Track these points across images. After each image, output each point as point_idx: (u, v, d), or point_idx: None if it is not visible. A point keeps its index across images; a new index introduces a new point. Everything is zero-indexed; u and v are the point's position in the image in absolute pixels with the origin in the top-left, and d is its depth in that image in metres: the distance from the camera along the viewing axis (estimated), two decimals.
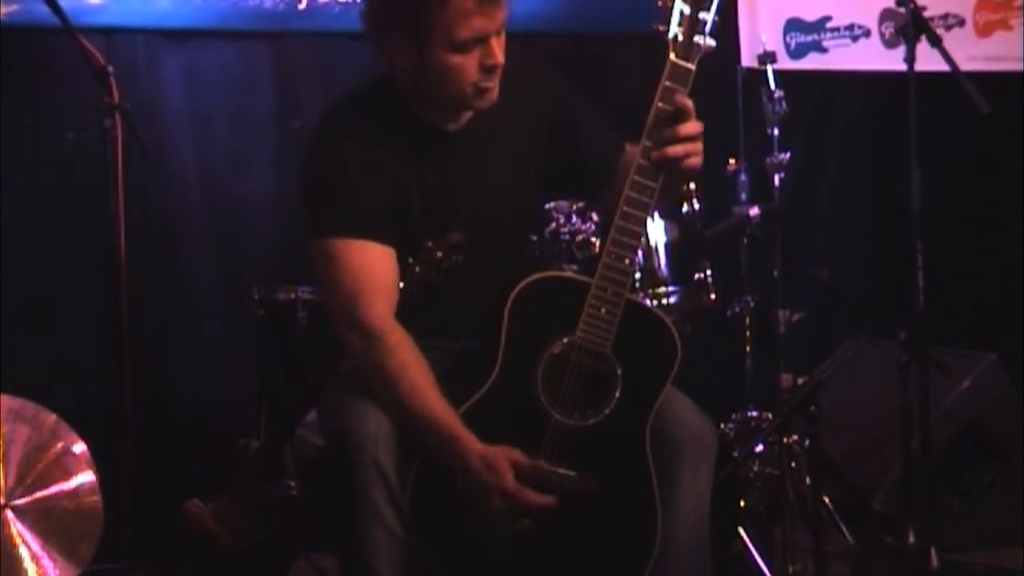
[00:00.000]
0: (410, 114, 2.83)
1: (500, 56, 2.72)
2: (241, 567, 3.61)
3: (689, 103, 2.64)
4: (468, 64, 2.71)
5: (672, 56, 2.64)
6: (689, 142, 2.66)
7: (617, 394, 2.70)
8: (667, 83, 2.65)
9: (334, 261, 2.76)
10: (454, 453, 2.62)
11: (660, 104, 2.65)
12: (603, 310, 2.66)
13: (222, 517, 3.58)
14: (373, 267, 2.76)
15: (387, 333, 2.71)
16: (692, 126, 2.66)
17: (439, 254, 2.80)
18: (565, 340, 2.68)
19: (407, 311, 2.78)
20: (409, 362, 2.69)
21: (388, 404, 2.68)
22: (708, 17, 2.64)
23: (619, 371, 2.70)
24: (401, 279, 2.80)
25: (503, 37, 2.74)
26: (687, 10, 2.63)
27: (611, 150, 2.95)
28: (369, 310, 2.71)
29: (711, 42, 2.65)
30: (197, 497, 3.69)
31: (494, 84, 2.75)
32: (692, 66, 2.65)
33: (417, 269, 2.81)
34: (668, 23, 2.63)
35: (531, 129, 2.90)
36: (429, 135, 2.84)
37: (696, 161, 2.68)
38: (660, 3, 2.64)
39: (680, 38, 2.64)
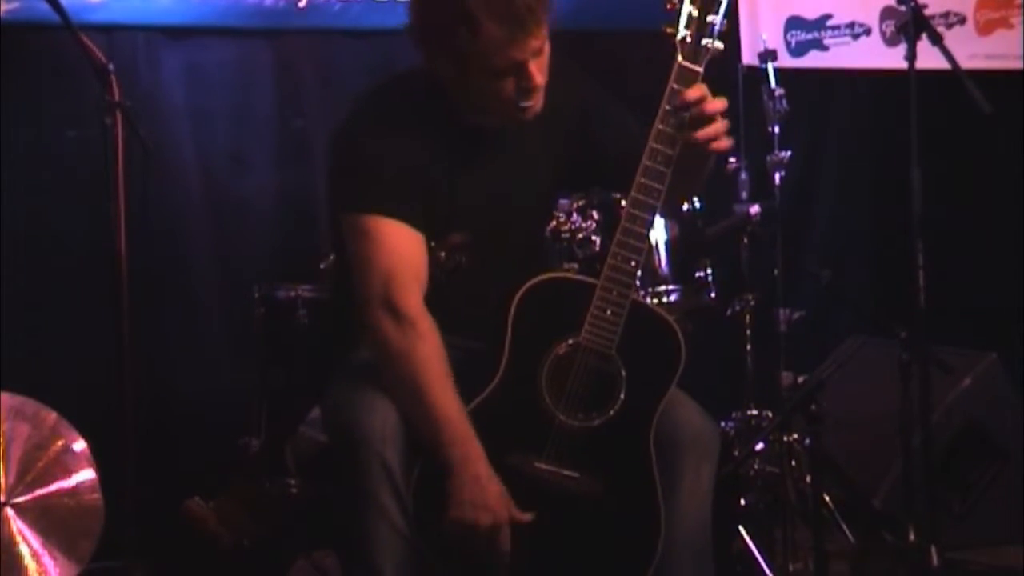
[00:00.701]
0: (447, 109, 2.82)
1: (540, 78, 2.72)
2: (242, 566, 3.62)
3: (703, 88, 2.65)
4: (506, 87, 2.71)
5: (680, 58, 2.65)
6: (714, 122, 2.66)
7: (621, 396, 2.70)
8: (675, 85, 2.66)
9: (369, 238, 2.73)
10: (457, 458, 2.61)
11: (667, 107, 2.65)
12: (608, 312, 2.67)
13: (223, 516, 3.59)
14: (409, 249, 2.74)
15: (421, 319, 2.69)
16: (716, 103, 2.66)
17: (442, 255, 2.80)
18: (570, 341, 2.68)
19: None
20: (437, 354, 2.68)
21: (405, 392, 2.66)
22: (716, 20, 2.65)
23: (624, 373, 2.70)
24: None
25: (544, 57, 2.73)
26: (695, 13, 2.64)
27: (639, 142, 2.94)
28: (405, 292, 2.69)
29: (719, 45, 2.66)
30: (198, 495, 3.69)
31: (535, 101, 2.75)
32: (699, 68, 2.66)
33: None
34: (676, 25, 2.64)
35: (561, 129, 2.90)
36: (463, 133, 2.83)
37: (724, 144, 2.69)
38: (668, 6, 2.65)
39: (688, 40, 2.65)
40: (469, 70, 2.69)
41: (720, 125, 2.67)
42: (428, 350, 2.67)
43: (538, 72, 2.71)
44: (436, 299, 2.79)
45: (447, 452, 2.62)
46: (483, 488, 2.60)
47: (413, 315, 2.69)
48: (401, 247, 2.72)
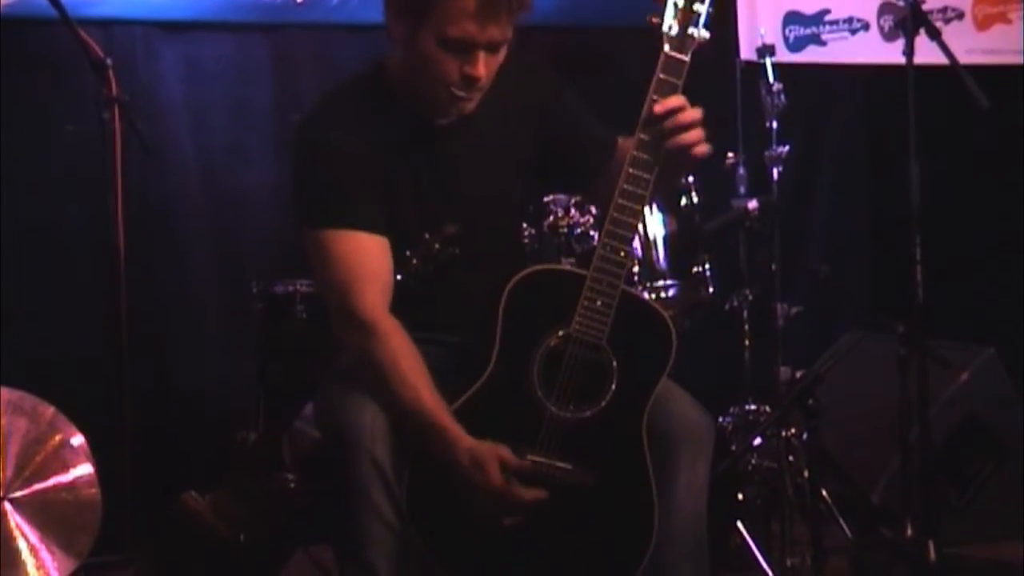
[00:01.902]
0: (400, 107, 2.83)
1: (481, 71, 2.71)
2: (238, 559, 3.62)
3: (681, 99, 2.64)
4: (449, 65, 2.71)
5: (666, 48, 2.64)
6: (692, 129, 2.66)
7: (613, 386, 2.69)
8: (661, 75, 2.65)
9: (326, 252, 2.76)
10: (443, 447, 2.63)
11: (655, 96, 2.65)
12: (598, 302, 2.66)
13: (219, 510, 3.58)
14: (365, 257, 2.75)
15: (378, 322, 2.71)
16: (692, 112, 2.65)
17: (436, 246, 2.80)
18: (561, 332, 2.68)
19: (404, 305, 2.77)
20: (401, 352, 2.69)
21: (380, 394, 2.68)
22: (702, 9, 2.64)
23: (615, 363, 2.69)
24: (397, 272, 2.80)
25: (496, 58, 2.74)
26: (681, 2, 2.63)
27: (603, 144, 2.95)
28: (361, 299, 2.71)
29: (705, 34, 2.65)
30: (194, 489, 3.69)
31: (471, 97, 2.76)
32: (686, 58, 2.65)
33: (414, 261, 2.81)
34: (662, 15, 2.64)
35: (522, 124, 2.90)
36: (420, 129, 2.84)
37: (703, 149, 2.68)
38: None
39: (674, 30, 2.64)
40: (420, 30, 2.69)
41: (696, 133, 2.66)
42: (390, 352, 2.69)
43: (484, 67, 2.71)
44: (430, 293, 2.81)
45: (429, 445, 2.64)
46: (481, 454, 2.61)
47: (370, 320, 2.70)
48: (357, 256, 2.74)
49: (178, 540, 3.70)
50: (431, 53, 2.70)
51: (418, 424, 2.65)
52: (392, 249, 2.79)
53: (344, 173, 2.76)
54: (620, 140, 2.92)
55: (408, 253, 2.80)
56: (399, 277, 2.79)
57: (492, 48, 2.72)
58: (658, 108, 2.63)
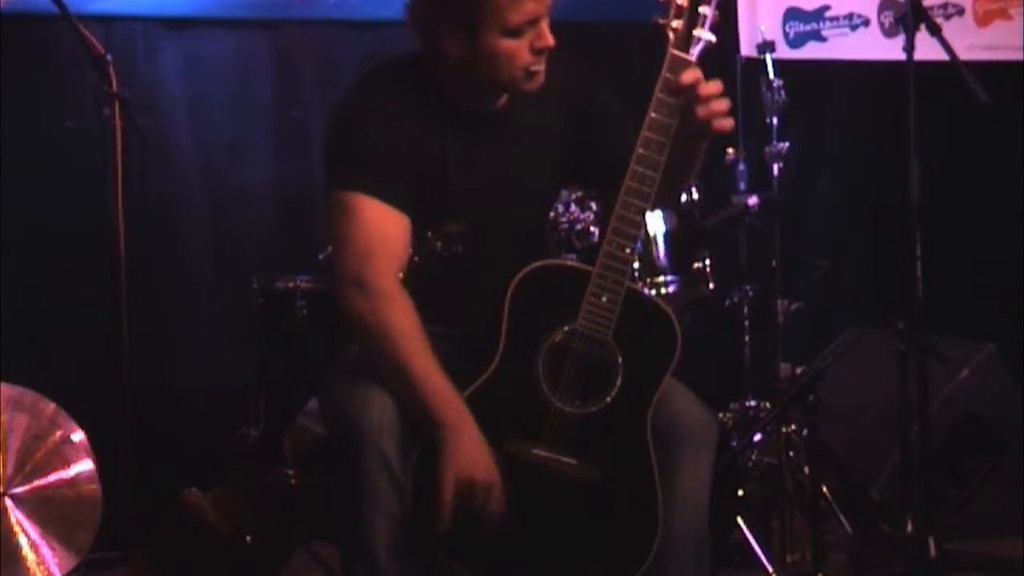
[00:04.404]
0: (444, 93, 2.82)
1: (551, 37, 2.73)
2: (240, 556, 3.61)
3: (698, 72, 2.65)
4: (521, 48, 2.72)
5: (672, 48, 2.66)
6: (714, 101, 2.66)
7: (618, 382, 2.70)
8: (667, 75, 2.66)
9: (351, 216, 2.73)
10: (449, 420, 2.61)
11: (660, 95, 2.66)
12: (604, 298, 2.67)
13: (220, 507, 3.58)
14: (388, 229, 2.74)
15: (395, 292, 2.69)
16: (712, 84, 2.66)
17: (438, 244, 2.80)
18: (566, 328, 2.68)
19: (422, 299, 2.76)
20: (414, 324, 2.68)
21: (386, 364, 2.66)
22: (708, 11, 2.66)
23: (620, 360, 2.70)
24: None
25: (547, 20, 2.75)
26: (686, 4, 2.65)
27: (632, 142, 2.95)
28: (378, 270, 2.69)
29: (710, 36, 2.67)
30: (195, 486, 3.69)
31: (543, 67, 2.77)
32: (692, 58, 2.66)
33: (416, 259, 2.81)
34: (668, 16, 2.66)
35: (557, 117, 2.90)
36: (459, 116, 2.83)
37: (727, 123, 2.68)
38: None
39: (680, 31, 2.66)
40: (481, 35, 2.69)
41: (720, 104, 2.67)
42: (404, 321, 2.67)
43: (548, 31, 2.73)
44: (434, 290, 2.79)
45: (439, 416, 2.62)
46: (479, 446, 2.61)
47: (386, 289, 2.69)
48: (380, 226, 2.72)
49: (178, 537, 3.70)
50: (499, 47, 2.71)
51: (424, 396, 2.63)
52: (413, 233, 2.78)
53: (379, 145, 2.75)
54: None
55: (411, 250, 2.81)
56: (400, 275, 2.79)
57: (547, 12, 2.74)
58: (676, 82, 2.64)
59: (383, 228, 2.73)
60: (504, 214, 2.85)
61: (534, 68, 2.75)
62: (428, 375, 2.64)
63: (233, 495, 3.63)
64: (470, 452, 2.60)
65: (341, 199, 2.74)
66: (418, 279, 2.79)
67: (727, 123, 2.69)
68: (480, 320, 2.77)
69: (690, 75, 2.65)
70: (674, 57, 2.66)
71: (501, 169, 2.85)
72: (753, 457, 4.12)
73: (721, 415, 4.21)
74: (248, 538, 3.59)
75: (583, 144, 2.92)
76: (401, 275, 2.74)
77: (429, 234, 2.80)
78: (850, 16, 5.20)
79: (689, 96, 2.65)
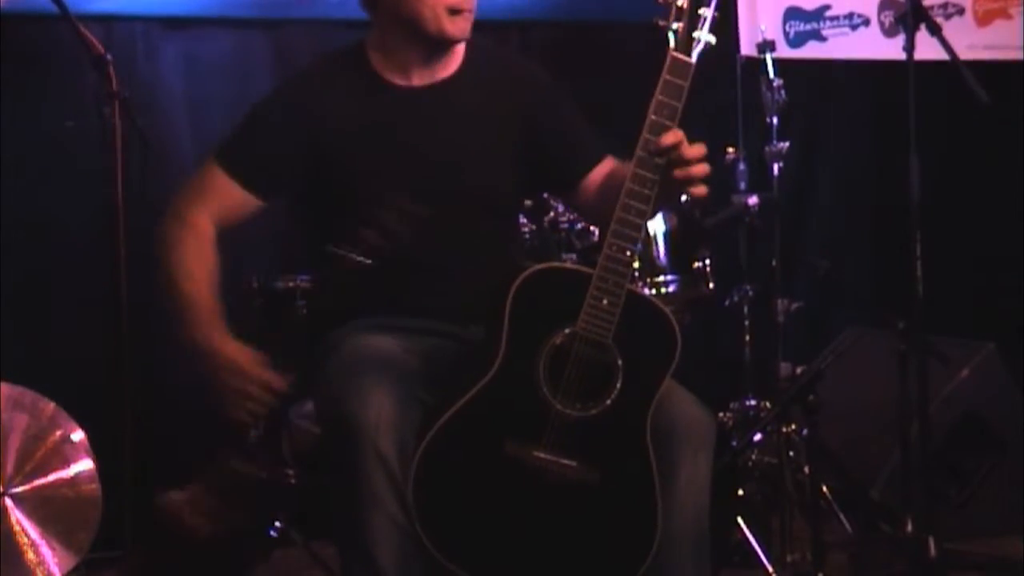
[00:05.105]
0: (377, 76, 2.94)
1: None
2: (223, 553, 3.60)
3: (679, 133, 2.66)
4: None
5: (672, 50, 2.66)
6: (693, 166, 2.68)
7: (618, 385, 2.70)
8: (667, 77, 2.67)
9: (202, 177, 2.98)
10: (200, 337, 2.88)
11: (660, 97, 2.66)
12: (604, 301, 2.67)
13: (197, 506, 3.56)
14: (227, 200, 2.95)
15: (201, 227, 2.93)
16: (695, 149, 2.68)
17: (390, 221, 2.79)
18: (567, 331, 2.68)
19: (382, 283, 2.81)
20: (204, 256, 2.92)
21: (163, 280, 2.88)
22: (708, 13, 2.67)
23: (620, 362, 2.70)
24: (352, 250, 2.81)
25: None
26: (686, 5, 2.66)
27: (588, 153, 3.01)
28: (198, 209, 2.93)
29: (711, 38, 2.68)
30: (172, 488, 3.68)
31: (468, 7, 2.85)
32: (692, 60, 2.67)
33: (367, 237, 2.81)
34: (668, 18, 2.67)
35: (504, 116, 2.95)
36: (394, 93, 2.93)
37: (701, 190, 2.71)
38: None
39: (680, 33, 2.66)
40: None
41: (699, 169, 2.68)
42: (193, 246, 2.91)
43: None
44: (394, 276, 2.82)
45: (192, 333, 2.87)
46: (225, 353, 2.85)
47: (193, 221, 2.93)
48: (219, 192, 2.95)
49: (159, 541, 3.69)
50: None
51: (183, 311, 2.87)
52: (348, 216, 2.84)
53: (261, 134, 2.95)
54: (614, 160, 2.98)
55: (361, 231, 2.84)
56: (368, 260, 2.80)
57: None
58: (656, 144, 2.65)
59: (221, 194, 2.95)
60: (446, 194, 2.88)
61: (457, 5, 2.84)
62: (192, 294, 2.88)
63: (207, 492, 3.62)
64: (217, 360, 2.86)
65: (207, 162, 2.99)
66: (371, 258, 2.80)
67: (702, 190, 2.71)
68: (436, 311, 2.87)
69: (672, 136, 2.65)
70: (675, 59, 2.66)
71: (440, 144, 2.93)
72: (753, 457, 4.12)
73: (721, 415, 4.22)
74: (228, 534, 3.58)
75: (534, 151, 2.98)
76: (218, 229, 2.96)
77: (380, 211, 2.80)
78: (850, 16, 5.20)
79: (670, 156, 2.66)
